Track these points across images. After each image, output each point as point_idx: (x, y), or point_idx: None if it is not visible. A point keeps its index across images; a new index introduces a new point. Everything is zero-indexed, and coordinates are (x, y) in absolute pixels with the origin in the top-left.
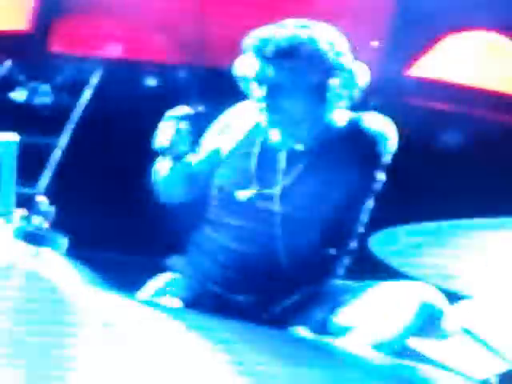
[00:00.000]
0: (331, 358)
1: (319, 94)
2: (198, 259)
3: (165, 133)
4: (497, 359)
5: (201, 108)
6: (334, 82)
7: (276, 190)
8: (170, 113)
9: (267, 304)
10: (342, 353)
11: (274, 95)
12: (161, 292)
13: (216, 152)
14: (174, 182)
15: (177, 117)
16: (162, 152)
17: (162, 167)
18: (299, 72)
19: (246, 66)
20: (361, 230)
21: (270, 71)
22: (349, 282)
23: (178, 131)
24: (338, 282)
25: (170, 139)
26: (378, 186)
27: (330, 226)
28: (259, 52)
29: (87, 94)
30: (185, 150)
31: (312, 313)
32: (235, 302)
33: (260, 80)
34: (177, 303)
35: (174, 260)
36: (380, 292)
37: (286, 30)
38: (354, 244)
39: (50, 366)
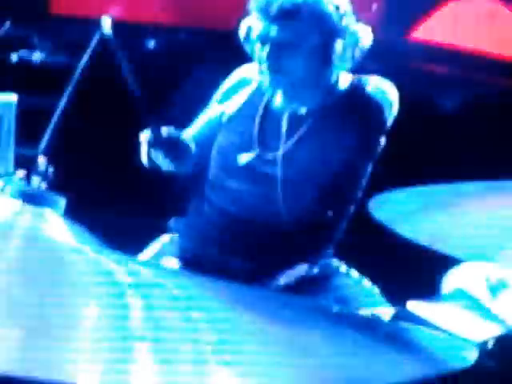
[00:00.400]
0: (330, 319)
1: (323, 56)
2: (197, 221)
3: (145, 156)
4: (494, 322)
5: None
6: (337, 43)
7: (277, 154)
8: (142, 136)
9: (264, 272)
10: (341, 314)
11: (276, 55)
12: (160, 253)
13: (218, 116)
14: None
15: (148, 141)
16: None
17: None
18: (302, 32)
19: (250, 27)
20: (360, 194)
21: (273, 31)
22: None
23: (154, 154)
24: (335, 271)
25: (151, 163)
26: (378, 151)
27: (331, 190)
28: (263, 12)
29: (87, 55)
30: (169, 167)
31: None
32: (232, 266)
33: (263, 40)
34: (175, 264)
35: (174, 222)
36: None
37: None
38: (352, 208)
39: (49, 326)
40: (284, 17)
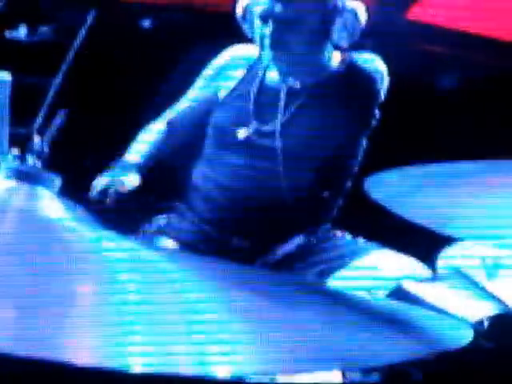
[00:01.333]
0: (329, 299)
1: (323, 33)
2: (195, 200)
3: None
4: (489, 302)
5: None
6: (338, 20)
7: (275, 126)
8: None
9: (263, 248)
10: (339, 294)
11: (280, 32)
12: (157, 233)
13: (211, 95)
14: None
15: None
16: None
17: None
18: (305, 10)
19: (250, 5)
20: (356, 169)
21: (278, 8)
22: (341, 239)
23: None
24: (332, 236)
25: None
26: (373, 122)
27: (329, 161)
28: None
29: (82, 34)
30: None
31: (307, 266)
32: (231, 243)
33: (266, 17)
34: (173, 244)
35: (171, 201)
36: (370, 260)
37: None
38: (349, 184)
39: (44, 303)
40: None
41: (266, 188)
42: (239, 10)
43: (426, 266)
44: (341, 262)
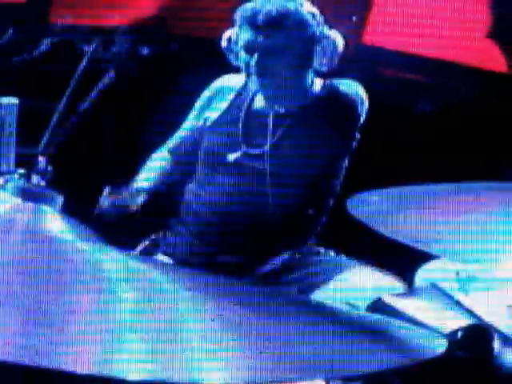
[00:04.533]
0: (310, 311)
1: (305, 60)
2: (187, 216)
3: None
4: (463, 314)
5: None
6: (317, 48)
7: (265, 149)
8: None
9: (251, 263)
10: (322, 307)
11: (263, 61)
12: (150, 249)
13: (202, 124)
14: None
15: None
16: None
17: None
18: (286, 40)
19: (235, 37)
20: (338, 187)
21: (260, 39)
22: (325, 258)
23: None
24: (316, 253)
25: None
26: (354, 145)
27: (313, 182)
28: (250, 22)
29: (84, 61)
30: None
31: (292, 280)
32: (219, 258)
33: (250, 48)
34: (167, 259)
35: (164, 219)
36: (352, 276)
37: (273, 1)
38: (331, 202)
39: (46, 315)
40: (270, 26)
41: (254, 205)
42: (224, 42)
43: (402, 281)
44: (323, 276)
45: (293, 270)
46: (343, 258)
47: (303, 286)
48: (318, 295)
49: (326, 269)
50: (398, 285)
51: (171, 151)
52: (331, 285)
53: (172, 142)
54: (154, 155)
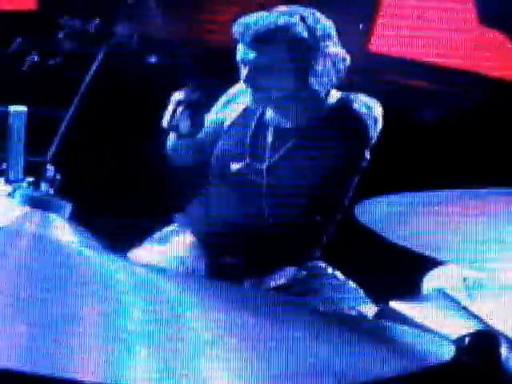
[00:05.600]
0: (318, 318)
1: (301, 76)
2: (192, 222)
3: (168, 114)
4: (470, 320)
5: (197, 91)
6: (315, 64)
7: (263, 165)
8: (173, 95)
9: (253, 272)
10: (328, 313)
11: (253, 76)
12: (163, 239)
13: (220, 123)
14: (179, 154)
15: (178, 100)
16: (168, 130)
17: (169, 141)
18: (275, 56)
19: (237, 50)
20: (346, 203)
21: (250, 55)
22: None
23: (179, 114)
24: (323, 273)
25: (172, 121)
26: (363, 164)
27: (317, 200)
28: (241, 37)
29: (93, 69)
30: (187, 130)
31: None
32: (223, 267)
33: (243, 62)
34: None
35: (176, 214)
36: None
37: (266, 16)
38: (339, 216)
39: (53, 323)
40: (259, 42)
41: (252, 218)
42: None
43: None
44: (328, 305)
45: (298, 288)
46: (351, 283)
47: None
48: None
49: (332, 296)
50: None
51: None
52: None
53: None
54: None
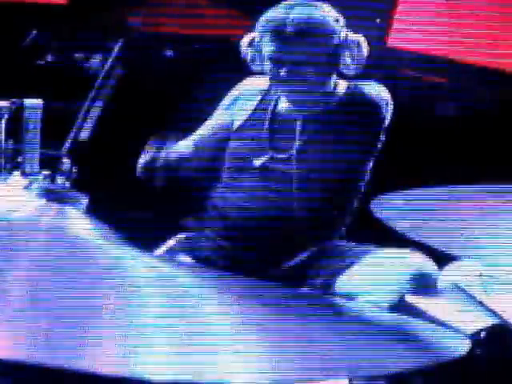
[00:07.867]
0: (337, 311)
1: (333, 66)
2: (211, 218)
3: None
4: (486, 315)
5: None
6: (343, 54)
7: (292, 153)
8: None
9: (275, 263)
10: (346, 307)
11: (294, 70)
12: (174, 250)
13: (227, 123)
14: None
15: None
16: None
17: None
18: (314, 50)
19: (257, 44)
20: (363, 188)
21: (290, 50)
22: (349, 245)
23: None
24: (341, 243)
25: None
26: (379, 146)
27: (339, 185)
28: (276, 33)
29: (109, 63)
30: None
31: (317, 273)
32: (245, 259)
33: (277, 59)
34: (190, 261)
35: (189, 219)
36: (378, 258)
37: (300, 10)
38: (356, 203)
39: (72, 316)
40: (298, 37)
41: (278, 208)
42: (244, 48)
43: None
44: (350, 260)
45: (319, 260)
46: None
47: (329, 271)
48: (344, 279)
49: (351, 253)
50: (429, 264)
51: (193, 144)
52: (357, 268)
53: (194, 136)
54: (177, 144)
